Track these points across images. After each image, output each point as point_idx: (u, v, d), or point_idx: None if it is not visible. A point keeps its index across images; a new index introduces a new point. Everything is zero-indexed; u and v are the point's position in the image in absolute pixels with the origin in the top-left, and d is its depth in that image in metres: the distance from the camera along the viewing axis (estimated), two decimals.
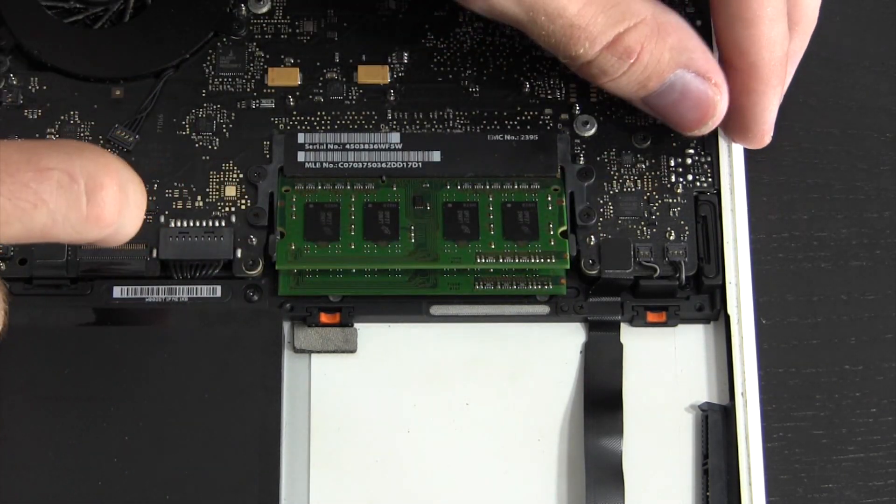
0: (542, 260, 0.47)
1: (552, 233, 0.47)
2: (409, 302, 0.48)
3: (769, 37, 0.46)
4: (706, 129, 0.47)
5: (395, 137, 0.49)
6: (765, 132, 0.48)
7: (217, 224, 0.48)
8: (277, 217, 0.47)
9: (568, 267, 0.47)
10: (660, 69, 0.46)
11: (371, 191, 0.48)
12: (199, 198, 0.48)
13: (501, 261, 0.47)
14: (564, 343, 0.48)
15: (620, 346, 0.48)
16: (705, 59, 0.46)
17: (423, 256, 0.47)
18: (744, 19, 0.46)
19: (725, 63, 0.47)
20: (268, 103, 0.49)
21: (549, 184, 0.48)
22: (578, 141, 0.49)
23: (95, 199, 0.36)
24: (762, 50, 0.46)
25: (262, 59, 0.50)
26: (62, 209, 0.36)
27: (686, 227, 0.48)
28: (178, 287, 0.47)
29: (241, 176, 0.48)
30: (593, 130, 0.49)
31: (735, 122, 0.48)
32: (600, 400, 0.47)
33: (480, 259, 0.47)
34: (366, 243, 0.47)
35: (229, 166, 0.49)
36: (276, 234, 0.47)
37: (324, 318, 0.47)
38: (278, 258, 0.47)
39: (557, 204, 0.48)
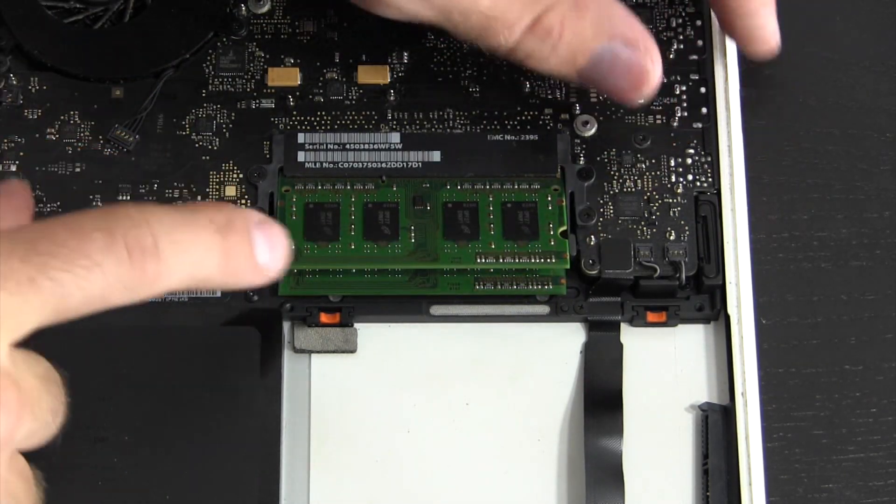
0: (542, 260, 0.47)
1: (552, 233, 0.47)
2: (409, 302, 0.48)
3: None
4: (646, 95, 0.46)
5: (395, 137, 0.49)
6: (772, 41, 0.49)
7: None
8: (277, 217, 0.47)
9: (568, 267, 0.47)
10: (585, 44, 0.45)
11: (371, 191, 0.48)
12: (199, 198, 0.48)
13: (501, 261, 0.47)
14: (564, 343, 0.48)
15: (620, 346, 0.48)
16: (630, 26, 0.45)
17: (423, 256, 0.47)
18: None
19: None
20: (268, 103, 0.49)
21: (550, 184, 0.48)
22: (578, 141, 0.49)
23: (135, 255, 0.36)
24: None
25: (262, 59, 0.50)
26: (112, 268, 0.36)
27: (686, 227, 0.48)
28: None
29: (241, 176, 0.48)
30: (593, 130, 0.49)
31: (743, 40, 0.49)
32: (600, 400, 0.47)
33: (480, 259, 0.47)
34: (366, 243, 0.47)
35: (229, 166, 0.49)
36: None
37: (324, 318, 0.47)
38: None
39: (557, 204, 0.48)
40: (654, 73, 0.46)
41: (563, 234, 0.47)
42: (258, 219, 0.39)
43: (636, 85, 0.46)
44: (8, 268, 0.35)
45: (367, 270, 0.47)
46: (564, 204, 0.48)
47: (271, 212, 0.48)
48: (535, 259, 0.47)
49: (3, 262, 0.35)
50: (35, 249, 0.35)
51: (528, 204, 0.48)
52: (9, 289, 0.35)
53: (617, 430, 0.46)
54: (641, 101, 0.47)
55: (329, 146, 0.49)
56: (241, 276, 0.39)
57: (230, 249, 0.39)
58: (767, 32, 0.49)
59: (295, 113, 0.49)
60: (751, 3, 0.48)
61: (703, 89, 0.50)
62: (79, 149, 0.49)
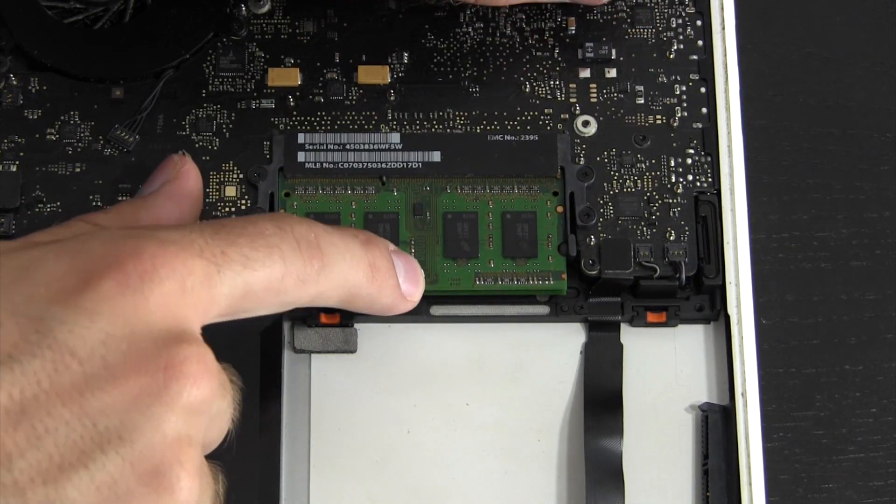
0: (540, 282, 0.47)
1: (550, 247, 0.47)
2: None
3: None
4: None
5: (395, 137, 0.49)
6: None
7: None
8: None
9: (565, 289, 0.47)
10: None
11: (371, 195, 0.48)
12: None
13: (500, 282, 0.47)
14: (564, 343, 0.48)
15: (620, 346, 0.48)
16: None
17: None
18: None
19: None
20: (268, 103, 0.49)
21: (549, 186, 0.48)
22: (578, 141, 0.49)
23: (303, 246, 0.40)
24: None
25: (262, 59, 0.50)
26: (289, 253, 0.39)
27: (686, 227, 0.48)
28: None
29: (241, 176, 0.48)
30: (593, 130, 0.49)
31: None
32: (600, 400, 0.47)
33: (479, 281, 0.47)
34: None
35: (229, 166, 0.49)
36: None
37: (324, 318, 0.47)
38: None
39: (556, 211, 0.48)
40: None
41: (560, 248, 0.47)
42: (392, 247, 0.44)
43: None
44: (203, 241, 0.37)
45: None
46: (563, 210, 0.48)
47: (271, 212, 0.48)
48: (532, 281, 0.47)
49: (198, 237, 0.37)
50: (222, 230, 0.38)
51: (527, 215, 0.48)
52: (206, 257, 0.37)
53: (617, 430, 0.46)
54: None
55: (329, 146, 0.49)
56: (386, 293, 0.43)
57: (375, 263, 0.42)
58: None
59: (295, 113, 0.49)
60: None
61: (703, 89, 0.50)
62: (79, 149, 0.49)
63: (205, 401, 0.36)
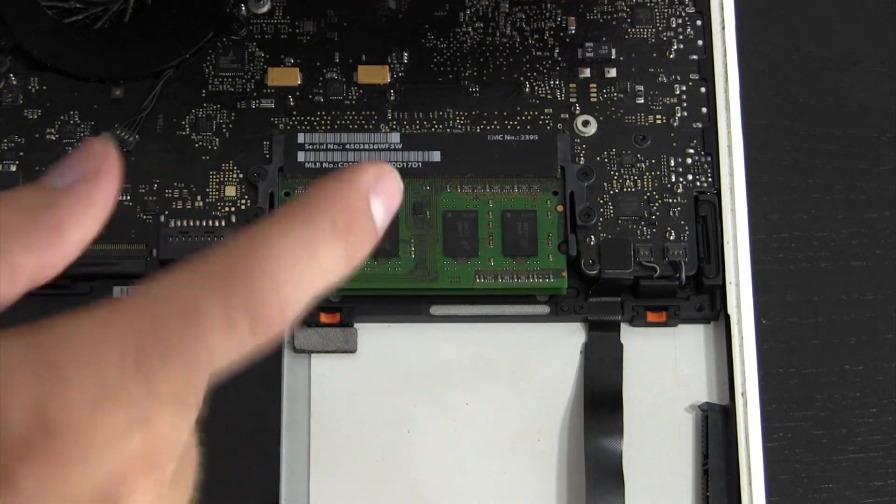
0: (540, 280, 0.47)
1: (550, 246, 0.47)
2: (409, 302, 0.48)
3: None
4: None
5: (395, 137, 0.49)
6: None
7: (217, 224, 0.48)
8: None
9: (565, 287, 0.47)
10: None
11: None
12: (199, 198, 0.48)
13: (500, 280, 0.47)
14: (564, 343, 0.48)
15: (620, 346, 0.48)
16: None
17: (423, 276, 0.47)
18: None
19: None
20: (268, 103, 0.49)
21: (549, 186, 0.48)
22: (578, 141, 0.49)
23: (259, 330, 0.31)
24: None
25: (262, 59, 0.50)
26: (236, 346, 0.31)
27: (686, 227, 0.48)
28: None
29: (241, 176, 0.48)
30: (593, 130, 0.49)
31: None
32: (600, 400, 0.47)
33: (479, 279, 0.47)
34: (366, 259, 0.47)
35: (229, 166, 0.49)
36: None
37: (324, 318, 0.47)
38: None
39: (556, 210, 0.48)
40: None
41: (560, 247, 0.47)
42: (375, 176, 0.34)
43: None
44: (123, 378, 0.30)
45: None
46: (563, 209, 0.48)
47: (271, 212, 0.48)
48: (532, 279, 0.47)
49: (117, 373, 0.30)
50: (149, 349, 0.30)
51: (527, 213, 0.48)
52: (124, 401, 0.30)
53: (617, 430, 0.46)
54: None
55: (329, 146, 0.49)
56: (361, 257, 0.33)
57: (353, 247, 0.33)
58: None
59: (295, 113, 0.49)
60: None
61: (703, 89, 0.50)
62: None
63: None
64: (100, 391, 0.30)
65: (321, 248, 0.32)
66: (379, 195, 0.35)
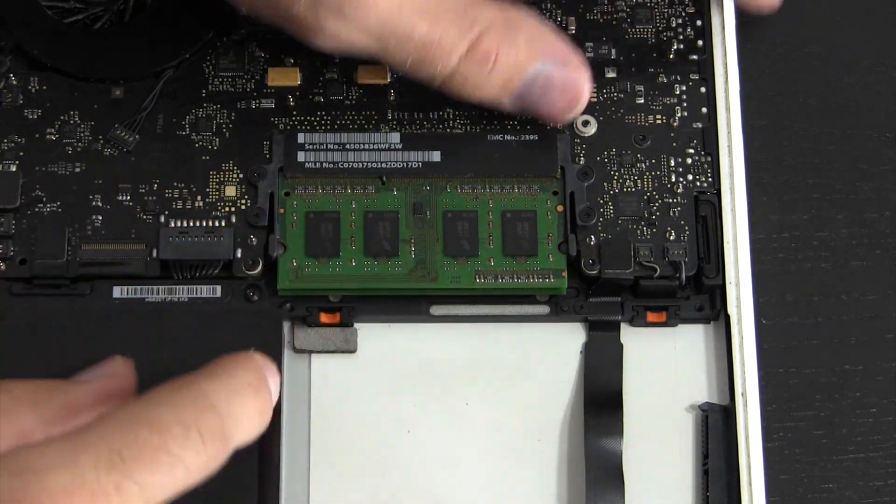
0: (540, 279, 0.47)
1: (550, 246, 0.47)
2: (409, 302, 0.48)
3: None
4: (576, 114, 0.47)
5: (395, 137, 0.49)
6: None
7: (217, 224, 0.48)
8: (278, 226, 0.47)
9: (565, 287, 0.47)
10: (519, 65, 0.46)
11: (371, 194, 0.48)
12: (199, 198, 0.48)
13: (500, 280, 0.47)
14: (564, 343, 0.48)
15: (620, 346, 0.48)
16: (560, 45, 0.46)
17: (423, 276, 0.47)
18: None
19: None
20: (268, 103, 0.49)
21: (549, 186, 0.48)
22: (578, 141, 0.49)
23: (208, 443, 0.38)
24: None
25: (262, 59, 0.50)
26: (192, 459, 0.37)
27: (686, 227, 0.48)
28: (177, 287, 0.47)
29: (241, 176, 0.48)
30: (593, 130, 0.49)
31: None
32: (600, 400, 0.47)
33: (479, 279, 0.47)
34: (366, 260, 0.47)
35: (229, 166, 0.49)
36: (275, 237, 0.47)
37: (324, 318, 0.47)
38: (280, 277, 0.47)
39: (557, 211, 0.48)
40: (586, 89, 0.47)
41: (560, 246, 0.47)
42: (263, 363, 0.42)
43: (570, 103, 0.47)
44: (95, 481, 0.36)
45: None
46: (564, 209, 0.48)
47: (271, 212, 0.48)
48: (533, 279, 0.47)
49: (90, 475, 0.36)
50: (119, 455, 0.36)
51: (527, 213, 0.48)
52: (99, 498, 0.35)
53: (617, 430, 0.46)
54: (571, 119, 0.48)
55: (329, 146, 0.49)
56: (268, 415, 0.41)
57: (264, 407, 0.41)
58: None
59: (295, 113, 0.49)
60: None
61: (703, 89, 0.50)
62: (79, 149, 0.49)
63: None
64: (76, 482, 0.35)
65: (247, 402, 0.40)
66: (271, 375, 0.42)
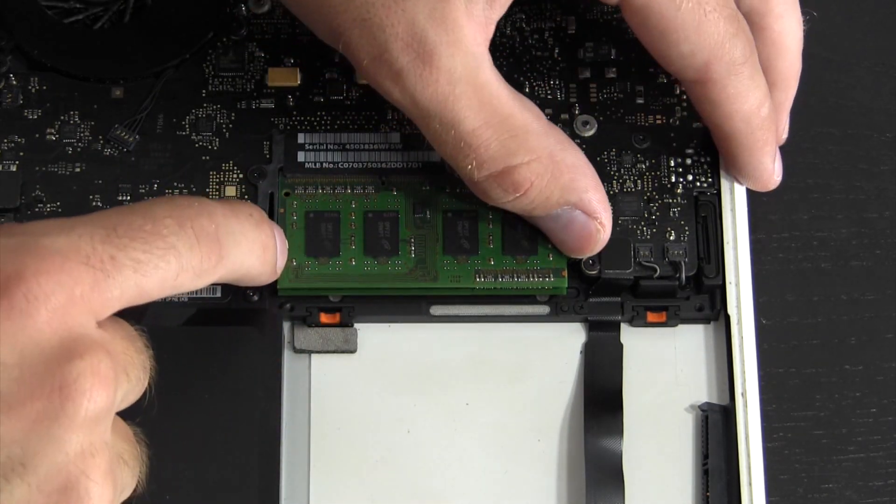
0: (541, 278, 0.47)
1: (550, 246, 0.47)
2: (409, 302, 0.48)
3: (746, 110, 0.45)
4: (583, 257, 0.47)
5: (395, 137, 0.49)
6: (767, 180, 0.48)
7: None
8: (278, 224, 0.47)
9: (565, 286, 0.47)
10: (547, 205, 0.45)
11: (371, 195, 0.48)
12: None
13: (500, 279, 0.47)
14: (564, 343, 0.48)
15: (620, 346, 0.48)
16: (596, 199, 0.45)
17: (423, 275, 0.47)
18: (714, 101, 0.45)
19: (712, 130, 0.47)
20: (268, 103, 0.49)
21: None
22: (578, 141, 0.49)
23: (202, 241, 0.40)
24: (740, 123, 0.46)
25: (262, 59, 0.50)
26: (185, 251, 0.39)
27: (686, 227, 0.48)
28: None
29: (241, 176, 0.48)
30: (593, 130, 0.49)
31: (738, 173, 0.48)
32: (600, 400, 0.47)
33: (479, 277, 0.47)
34: (366, 259, 0.47)
35: (229, 166, 0.49)
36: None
37: (324, 318, 0.47)
38: (280, 277, 0.46)
39: None
40: (601, 242, 0.46)
41: None
42: (271, 222, 0.44)
43: (581, 249, 0.46)
44: (91, 247, 0.37)
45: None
46: None
47: (272, 212, 0.48)
48: (533, 277, 0.47)
49: (85, 243, 0.37)
50: (115, 232, 0.38)
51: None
52: (93, 265, 0.37)
53: (617, 430, 0.46)
54: (582, 258, 0.47)
55: (329, 146, 0.49)
56: (268, 269, 0.43)
57: (265, 243, 0.43)
58: (766, 173, 0.47)
59: (295, 113, 0.49)
60: (753, 141, 0.47)
61: None
62: (79, 149, 0.49)
63: (104, 408, 0.36)
64: (71, 247, 0.37)
65: (246, 225, 0.42)
66: (276, 227, 0.44)
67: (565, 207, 0.45)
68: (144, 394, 0.40)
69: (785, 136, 0.49)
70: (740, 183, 0.48)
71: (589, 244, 0.46)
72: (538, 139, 0.44)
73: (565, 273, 0.47)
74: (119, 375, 0.37)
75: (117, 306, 0.38)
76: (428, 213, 0.48)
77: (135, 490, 0.40)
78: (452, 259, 0.47)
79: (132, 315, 0.40)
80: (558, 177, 0.44)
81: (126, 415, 0.40)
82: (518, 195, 0.44)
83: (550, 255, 0.47)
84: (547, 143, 0.44)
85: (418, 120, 0.44)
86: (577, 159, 0.45)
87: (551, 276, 0.47)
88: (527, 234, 0.47)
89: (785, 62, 0.47)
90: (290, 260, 0.47)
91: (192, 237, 0.39)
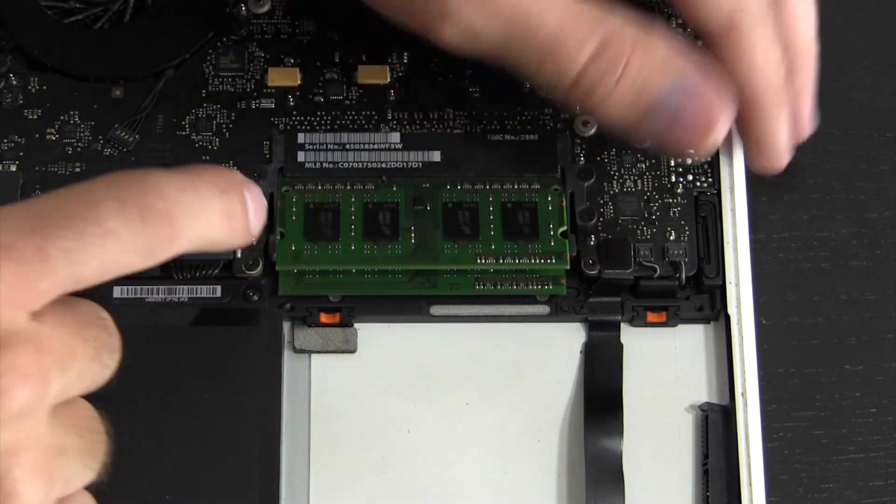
0: (543, 261, 0.47)
1: (552, 233, 0.47)
2: (409, 302, 0.48)
3: (767, 62, 0.44)
4: (710, 145, 0.44)
5: (395, 137, 0.49)
6: (780, 153, 0.46)
7: None
8: (277, 217, 0.47)
9: (568, 267, 0.47)
10: (651, 77, 0.42)
11: (371, 191, 0.48)
12: None
13: (502, 261, 0.47)
14: (564, 343, 0.48)
15: (620, 346, 0.48)
16: (703, 62, 0.43)
17: (423, 257, 0.47)
18: (737, 50, 0.44)
19: None
20: (268, 103, 0.50)
21: (550, 184, 0.48)
22: (578, 141, 0.49)
23: (148, 219, 0.37)
24: (760, 74, 0.44)
25: (262, 59, 0.50)
26: (126, 234, 0.36)
27: (686, 227, 0.48)
28: (178, 287, 0.47)
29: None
30: (593, 130, 0.49)
31: (753, 145, 0.46)
32: (600, 400, 0.47)
33: (481, 259, 0.47)
34: (366, 244, 0.47)
35: (229, 166, 0.49)
36: (276, 234, 0.47)
37: (324, 318, 0.47)
38: (278, 258, 0.47)
39: (558, 204, 0.48)
40: (724, 123, 0.43)
41: (563, 234, 0.47)
42: (243, 179, 0.40)
43: (705, 129, 0.43)
44: (17, 238, 0.35)
45: (368, 270, 0.47)
46: (564, 204, 0.48)
47: (272, 212, 0.48)
48: (535, 260, 0.47)
49: (12, 234, 0.35)
50: (44, 221, 0.36)
51: (528, 204, 0.48)
52: (18, 259, 0.35)
53: (617, 430, 0.46)
54: (704, 154, 0.44)
55: (329, 146, 0.49)
56: (239, 236, 0.40)
57: (231, 211, 0.40)
58: (780, 143, 0.45)
59: (295, 113, 0.49)
60: (771, 100, 0.45)
61: None
62: (79, 149, 0.49)
63: (31, 401, 0.35)
64: None
65: (206, 196, 0.39)
66: (249, 190, 0.40)
67: (673, 82, 0.42)
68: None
69: (809, 129, 0.47)
70: (752, 167, 0.47)
71: (708, 127, 0.42)
72: (618, 10, 0.42)
73: (567, 256, 0.47)
74: (51, 369, 0.36)
75: (53, 295, 0.36)
76: (428, 205, 0.48)
77: (98, 478, 0.39)
78: (453, 243, 0.47)
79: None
80: (653, 41, 0.42)
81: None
82: (620, 71, 0.41)
83: (553, 241, 0.47)
84: (630, 18, 0.42)
85: (499, 41, 0.42)
86: (666, 28, 0.43)
87: (554, 259, 0.47)
88: (528, 221, 0.47)
89: (804, 37, 0.46)
90: (288, 245, 0.47)
91: (135, 218, 0.37)
